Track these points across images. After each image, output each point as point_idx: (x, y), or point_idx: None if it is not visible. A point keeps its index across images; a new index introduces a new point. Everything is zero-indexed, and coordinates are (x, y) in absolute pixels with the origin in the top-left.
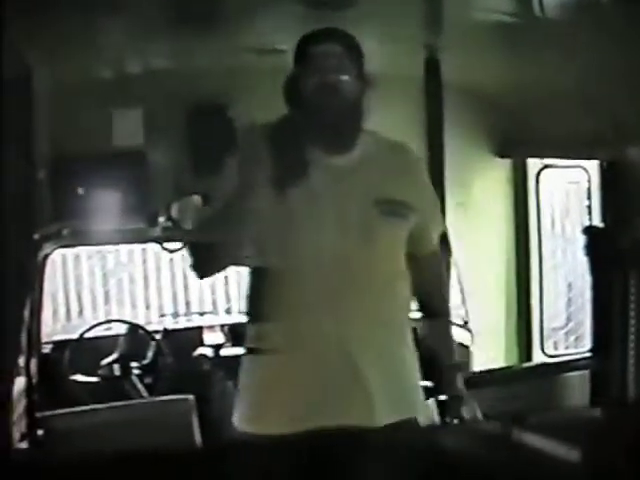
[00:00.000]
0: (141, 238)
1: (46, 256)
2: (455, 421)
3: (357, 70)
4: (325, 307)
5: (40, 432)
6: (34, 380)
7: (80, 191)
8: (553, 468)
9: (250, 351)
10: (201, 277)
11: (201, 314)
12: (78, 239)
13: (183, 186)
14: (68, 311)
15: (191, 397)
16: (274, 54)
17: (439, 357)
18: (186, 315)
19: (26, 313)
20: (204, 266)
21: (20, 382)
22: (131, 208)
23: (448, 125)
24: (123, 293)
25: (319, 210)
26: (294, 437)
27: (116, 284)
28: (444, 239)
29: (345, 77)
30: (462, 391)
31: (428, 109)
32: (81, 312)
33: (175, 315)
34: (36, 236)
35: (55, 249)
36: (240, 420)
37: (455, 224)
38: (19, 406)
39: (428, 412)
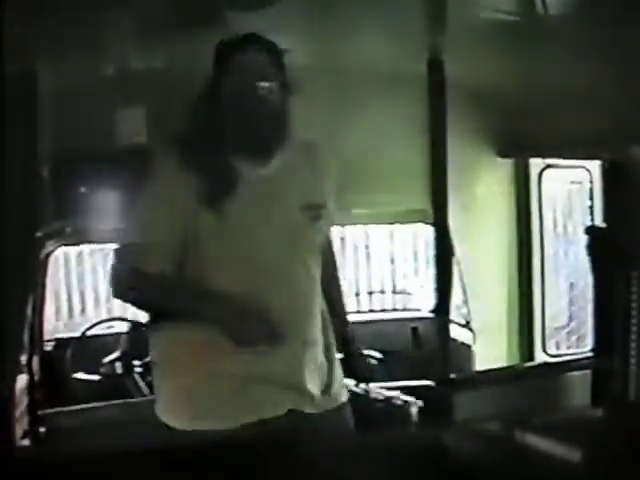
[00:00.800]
0: None
1: (49, 254)
2: (361, 384)
3: (281, 77)
4: (257, 311)
5: (42, 430)
6: (36, 378)
7: (83, 189)
8: (554, 470)
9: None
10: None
11: None
12: (81, 237)
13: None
14: (70, 309)
15: None
16: None
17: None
18: None
19: (28, 311)
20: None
21: (22, 380)
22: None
23: (451, 125)
24: None
25: (249, 222)
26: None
27: None
28: (447, 238)
29: (269, 83)
30: (359, 349)
31: (431, 109)
32: (83, 310)
33: None
34: (39, 234)
35: (58, 247)
36: (183, 418)
37: (458, 224)
38: (21, 404)
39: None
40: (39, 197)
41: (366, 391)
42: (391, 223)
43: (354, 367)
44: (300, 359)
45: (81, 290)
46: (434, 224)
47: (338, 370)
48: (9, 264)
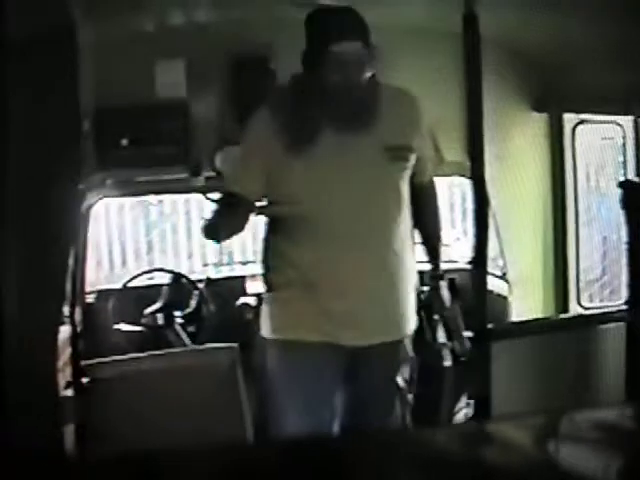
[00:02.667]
0: (184, 188)
1: (90, 206)
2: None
3: (370, 53)
4: (342, 243)
5: (85, 380)
6: (79, 329)
7: (124, 142)
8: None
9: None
10: (219, 241)
11: (244, 263)
12: (122, 189)
13: (226, 136)
14: (111, 261)
15: (235, 345)
16: (315, 7)
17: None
18: (229, 264)
19: (70, 262)
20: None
21: (65, 330)
22: (174, 159)
23: (486, 80)
24: (166, 243)
25: (337, 160)
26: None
27: (159, 234)
28: (483, 191)
29: (364, 74)
30: (445, 295)
31: (466, 63)
32: (124, 262)
33: (218, 264)
34: (81, 186)
35: (99, 199)
36: (272, 330)
37: (493, 177)
38: (64, 354)
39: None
40: (81, 149)
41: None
42: None
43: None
44: (372, 300)
45: (122, 242)
46: (470, 176)
47: (410, 306)
48: (52, 216)
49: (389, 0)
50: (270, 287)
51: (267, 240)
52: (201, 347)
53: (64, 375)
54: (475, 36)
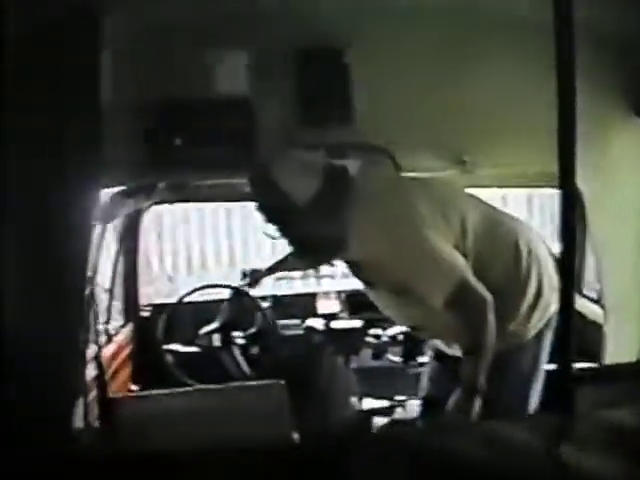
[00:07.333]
0: (245, 195)
1: (140, 212)
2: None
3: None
4: None
5: (112, 416)
6: (131, 347)
7: (177, 142)
8: None
9: None
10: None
11: (318, 278)
12: (175, 194)
13: (291, 138)
14: (175, 269)
15: (282, 382)
16: None
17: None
18: (302, 279)
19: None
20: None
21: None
22: (233, 161)
23: (582, 79)
24: (234, 253)
25: None
26: None
27: (225, 244)
28: (578, 205)
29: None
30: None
31: (558, 61)
32: (180, 272)
33: (289, 279)
34: (128, 189)
35: (151, 205)
36: None
37: (590, 190)
38: (91, 391)
39: None
40: (130, 152)
41: None
42: (521, 187)
43: None
44: None
45: (175, 251)
46: (560, 189)
47: None
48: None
49: None
50: None
51: None
52: (243, 384)
53: (92, 410)
54: (569, 30)
